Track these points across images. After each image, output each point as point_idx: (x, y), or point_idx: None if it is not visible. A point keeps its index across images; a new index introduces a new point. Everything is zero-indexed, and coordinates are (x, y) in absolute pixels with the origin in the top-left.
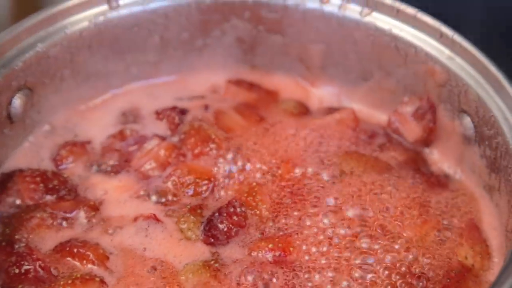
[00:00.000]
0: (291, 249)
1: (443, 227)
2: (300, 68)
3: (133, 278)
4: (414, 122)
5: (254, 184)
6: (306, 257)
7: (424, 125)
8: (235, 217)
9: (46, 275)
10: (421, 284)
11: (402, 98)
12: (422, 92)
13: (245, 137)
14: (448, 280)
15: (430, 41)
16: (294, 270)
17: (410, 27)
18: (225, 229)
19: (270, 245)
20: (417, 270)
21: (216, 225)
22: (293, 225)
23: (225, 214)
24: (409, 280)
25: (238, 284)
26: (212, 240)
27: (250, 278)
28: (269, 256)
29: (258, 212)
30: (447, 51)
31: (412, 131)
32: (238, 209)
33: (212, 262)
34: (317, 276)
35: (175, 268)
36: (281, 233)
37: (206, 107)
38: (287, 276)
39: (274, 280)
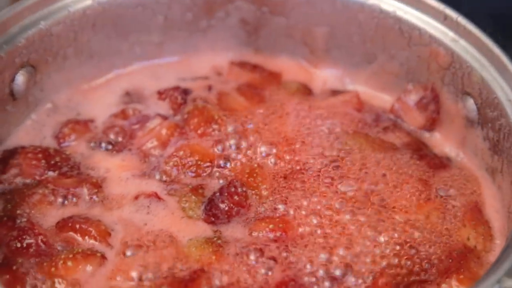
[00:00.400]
0: (291, 228)
1: (446, 208)
2: (303, 51)
3: (135, 252)
4: (417, 111)
5: (256, 165)
6: (307, 237)
7: (427, 115)
8: (236, 197)
9: (47, 250)
10: (423, 264)
11: (405, 81)
12: (426, 75)
13: (248, 118)
14: (450, 261)
15: (434, 23)
16: (294, 247)
17: (414, 10)
18: (226, 208)
19: (271, 226)
20: (419, 249)
21: (217, 205)
22: (294, 205)
23: (226, 194)
24: (411, 259)
25: (239, 261)
26: (213, 219)
27: (252, 256)
28: (270, 235)
29: (258, 192)
30: (451, 34)
31: (414, 119)
32: (239, 189)
33: (215, 239)
34: (319, 254)
35: (178, 242)
36: (281, 213)
37: (210, 88)
38: (287, 254)
39: (275, 258)
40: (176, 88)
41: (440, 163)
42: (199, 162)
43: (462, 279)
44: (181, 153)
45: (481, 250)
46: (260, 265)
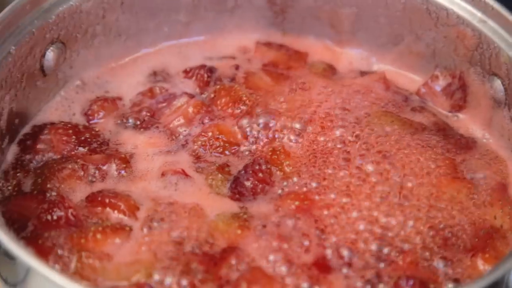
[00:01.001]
0: (316, 205)
1: (473, 187)
2: (330, 32)
3: (163, 226)
4: (444, 97)
5: (280, 143)
6: (332, 214)
7: (453, 102)
8: (260, 174)
9: (77, 223)
10: (449, 242)
11: (432, 62)
12: (453, 56)
13: (274, 97)
14: (476, 240)
15: (462, 4)
16: (320, 224)
17: None
18: (251, 185)
19: (296, 202)
20: (445, 228)
21: (242, 182)
22: (319, 182)
23: (250, 172)
24: (437, 237)
25: (265, 237)
26: (239, 196)
27: (277, 232)
28: (296, 212)
29: (282, 168)
30: (479, 14)
31: (440, 105)
32: (263, 166)
33: (241, 214)
34: (346, 232)
35: (205, 217)
36: (306, 189)
37: (237, 68)
38: (313, 230)
39: (301, 234)
40: (203, 66)
41: (467, 143)
42: (226, 144)
43: (487, 258)
44: (209, 134)
45: (507, 229)
46: (285, 241)
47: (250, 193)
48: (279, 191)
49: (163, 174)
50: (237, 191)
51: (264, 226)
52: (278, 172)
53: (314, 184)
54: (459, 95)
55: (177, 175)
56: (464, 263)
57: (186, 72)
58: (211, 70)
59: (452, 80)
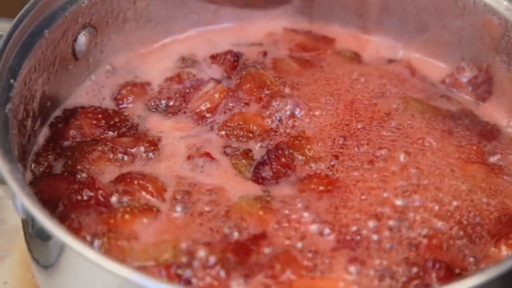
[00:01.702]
0: (340, 189)
1: (498, 174)
2: (357, 20)
3: (190, 208)
4: (469, 88)
5: (303, 128)
6: (356, 198)
7: (478, 94)
8: (283, 159)
9: (106, 204)
10: (472, 227)
11: (459, 51)
12: (479, 44)
13: (300, 83)
14: (500, 226)
15: None
16: (344, 207)
17: None
18: (274, 170)
19: (321, 187)
20: (469, 213)
21: (265, 168)
22: (343, 167)
23: (273, 157)
24: (461, 222)
25: (288, 217)
26: (261, 181)
27: (301, 215)
28: (319, 195)
29: (305, 153)
30: (505, 2)
31: (465, 96)
32: (286, 151)
33: (264, 196)
34: (369, 218)
35: (230, 198)
36: (329, 172)
37: (264, 54)
38: (338, 214)
39: (325, 218)
40: (229, 52)
41: (491, 131)
42: (249, 134)
43: (511, 244)
44: (235, 123)
45: None
46: (309, 225)
47: (272, 178)
48: (302, 175)
49: (189, 157)
50: (260, 176)
51: (287, 209)
52: (300, 157)
53: (337, 168)
54: (484, 87)
55: (203, 158)
56: (488, 248)
57: (213, 57)
58: (237, 55)
59: (479, 73)
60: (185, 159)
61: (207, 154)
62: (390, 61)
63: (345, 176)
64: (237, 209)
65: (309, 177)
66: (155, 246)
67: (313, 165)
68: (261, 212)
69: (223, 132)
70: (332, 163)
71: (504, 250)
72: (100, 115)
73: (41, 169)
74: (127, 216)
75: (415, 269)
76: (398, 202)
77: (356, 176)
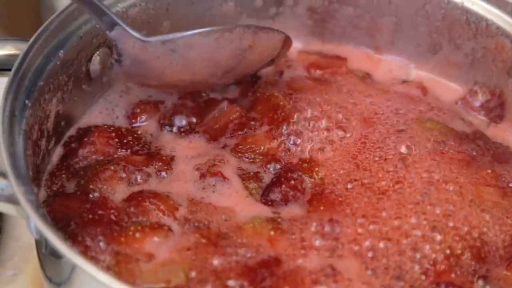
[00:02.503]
0: (347, 210)
1: (503, 203)
2: (370, 41)
3: (202, 226)
4: (482, 112)
5: (313, 151)
6: (366, 220)
7: (490, 117)
8: (292, 182)
9: (118, 223)
10: (484, 250)
11: (470, 73)
12: (491, 67)
13: (314, 103)
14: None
15: (501, 15)
16: (354, 228)
17: (482, 1)
18: (283, 193)
19: (329, 210)
20: (481, 235)
21: (274, 190)
22: (353, 190)
23: (282, 179)
24: (474, 245)
25: (300, 239)
26: (271, 203)
27: (311, 236)
28: (328, 217)
29: (314, 176)
30: None
31: (477, 119)
32: (295, 174)
33: (275, 217)
34: (381, 240)
35: (240, 220)
36: (339, 196)
37: (281, 74)
38: (347, 235)
39: (334, 238)
40: None
41: (504, 153)
42: (260, 157)
43: None
44: (247, 146)
45: None
46: (320, 246)
47: (282, 200)
48: (311, 197)
49: (201, 176)
50: (269, 199)
51: (297, 230)
52: (309, 179)
53: (348, 189)
54: (497, 111)
55: (215, 177)
56: (499, 273)
57: None
58: (254, 75)
59: (491, 97)
60: (197, 178)
61: (219, 174)
62: (404, 81)
63: (355, 198)
64: (248, 230)
65: (318, 199)
66: (166, 267)
67: (323, 187)
68: (272, 233)
69: (235, 154)
70: (343, 187)
71: None
72: (113, 134)
73: (55, 188)
74: (137, 235)
75: None
76: (408, 225)
77: (365, 198)
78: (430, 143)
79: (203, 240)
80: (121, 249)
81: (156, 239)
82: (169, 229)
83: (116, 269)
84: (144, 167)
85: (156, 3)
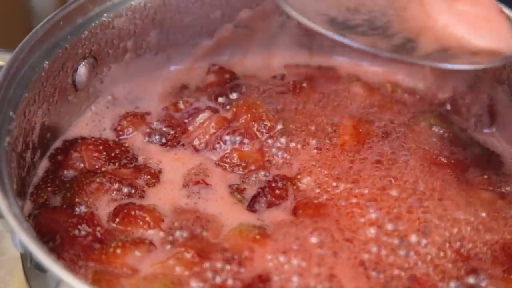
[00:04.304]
0: (333, 215)
1: (499, 206)
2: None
3: (187, 238)
4: (471, 119)
5: (300, 160)
6: (351, 225)
7: (480, 125)
8: (277, 191)
9: (102, 240)
10: (477, 258)
11: (461, 79)
12: (481, 73)
13: (298, 113)
14: (505, 257)
15: None
16: (339, 234)
17: None
18: (269, 202)
19: (313, 213)
20: (475, 242)
21: (259, 200)
22: (337, 199)
23: (267, 190)
24: (467, 252)
25: (283, 244)
26: (255, 212)
27: (295, 241)
28: (312, 222)
29: (301, 185)
30: None
31: (467, 126)
32: (280, 183)
33: (260, 224)
34: (364, 246)
35: (225, 226)
36: (324, 202)
37: (260, 84)
38: (332, 241)
39: (317, 244)
40: (228, 82)
41: (495, 161)
42: (245, 170)
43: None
44: (230, 157)
45: None
46: (305, 251)
47: (267, 209)
48: (296, 204)
49: (185, 186)
50: (254, 209)
51: (282, 236)
52: (293, 187)
53: (332, 201)
54: (486, 119)
55: (198, 185)
56: (493, 282)
57: (210, 85)
58: (237, 85)
59: (481, 105)
60: (183, 189)
61: (203, 182)
62: (391, 88)
63: (339, 204)
64: (233, 237)
65: (303, 207)
66: (148, 283)
67: (307, 193)
68: (258, 237)
69: (219, 165)
70: (326, 199)
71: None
72: (101, 147)
73: (41, 201)
74: (118, 251)
75: None
76: (396, 231)
77: (352, 205)
78: (421, 147)
79: (188, 254)
80: (102, 266)
81: (137, 253)
82: (151, 243)
83: (97, 283)
84: (132, 180)
85: (142, 12)
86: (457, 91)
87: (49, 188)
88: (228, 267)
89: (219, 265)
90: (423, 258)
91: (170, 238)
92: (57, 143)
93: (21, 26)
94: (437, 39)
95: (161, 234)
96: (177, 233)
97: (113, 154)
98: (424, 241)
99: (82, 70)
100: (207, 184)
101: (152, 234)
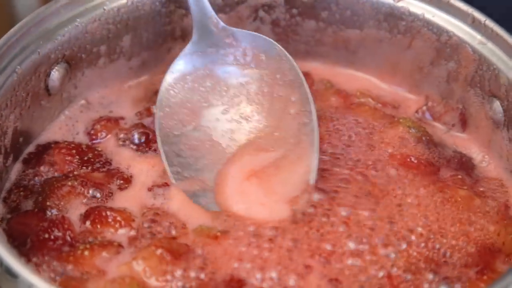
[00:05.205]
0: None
1: (476, 204)
2: (334, 55)
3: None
4: (443, 122)
5: None
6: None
7: (452, 127)
8: None
9: (72, 244)
10: (450, 258)
11: (433, 84)
12: (453, 78)
13: None
14: (477, 257)
15: (462, 26)
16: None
17: (443, 12)
18: None
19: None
20: (447, 243)
21: None
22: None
23: None
24: (439, 252)
25: (246, 243)
26: None
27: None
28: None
29: None
30: (478, 36)
31: (439, 129)
32: None
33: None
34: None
35: (187, 227)
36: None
37: None
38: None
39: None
40: None
41: (468, 162)
42: None
43: (485, 280)
44: None
45: (508, 248)
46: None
47: None
48: None
49: (150, 189)
50: None
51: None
52: None
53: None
54: (459, 122)
55: (163, 187)
56: (463, 281)
57: None
58: None
59: (453, 108)
60: (149, 190)
61: (166, 184)
62: (367, 93)
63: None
64: (197, 235)
65: None
66: (116, 284)
67: None
68: (218, 234)
69: None
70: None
71: (480, 283)
72: (74, 151)
73: (13, 206)
74: (86, 253)
75: None
76: (370, 228)
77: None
78: (395, 150)
79: (158, 251)
80: (70, 269)
81: (105, 255)
82: (120, 245)
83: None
84: (103, 184)
85: (115, 17)
86: (431, 96)
87: (21, 193)
88: (196, 264)
89: (186, 264)
90: (395, 257)
91: (140, 238)
92: (30, 148)
93: (4, 32)
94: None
95: (132, 232)
96: (146, 233)
97: (86, 158)
98: (396, 240)
99: (55, 75)
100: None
101: (122, 234)
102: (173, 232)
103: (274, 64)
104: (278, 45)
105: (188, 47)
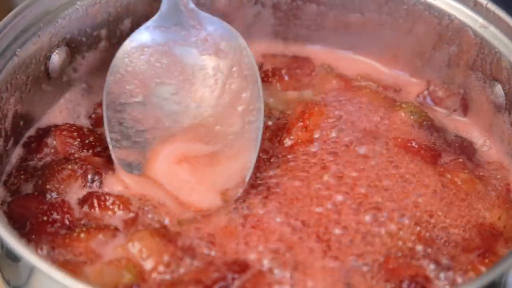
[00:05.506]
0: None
1: (477, 187)
2: (335, 39)
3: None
4: (444, 107)
5: None
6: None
7: (454, 112)
8: None
9: (70, 227)
10: (451, 241)
11: (435, 68)
12: (455, 60)
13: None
14: (477, 240)
15: (464, 9)
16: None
17: None
18: None
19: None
20: (448, 226)
21: None
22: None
23: None
24: (439, 235)
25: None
26: None
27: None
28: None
29: None
30: (480, 20)
31: (440, 113)
32: None
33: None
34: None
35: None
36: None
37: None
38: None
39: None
40: None
41: (469, 147)
42: None
43: (487, 263)
44: None
45: (509, 231)
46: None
47: None
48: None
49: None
50: None
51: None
52: None
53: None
54: (460, 106)
55: None
56: (464, 264)
57: None
58: None
59: (454, 92)
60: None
61: None
62: (368, 77)
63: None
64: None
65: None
66: (113, 267)
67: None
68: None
69: None
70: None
71: (480, 266)
72: (75, 133)
73: (13, 189)
74: (82, 235)
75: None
76: (375, 210)
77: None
78: (396, 135)
79: (155, 237)
80: (67, 251)
81: (101, 237)
82: (116, 228)
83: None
84: (103, 168)
85: (116, 1)
86: (434, 79)
87: (22, 176)
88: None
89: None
90: (396, 239)
91: (136, 222)
92: (31, 131)
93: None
94: None
95: (131, 215)
96: (143, 217)
97: (87, 141)
98: (397, 221)
99: (56, 58)
100: None
101: (120, 218)
102: (166, 221)
103: (233, 56)
104: (242, 39)
105: (153, 20)
